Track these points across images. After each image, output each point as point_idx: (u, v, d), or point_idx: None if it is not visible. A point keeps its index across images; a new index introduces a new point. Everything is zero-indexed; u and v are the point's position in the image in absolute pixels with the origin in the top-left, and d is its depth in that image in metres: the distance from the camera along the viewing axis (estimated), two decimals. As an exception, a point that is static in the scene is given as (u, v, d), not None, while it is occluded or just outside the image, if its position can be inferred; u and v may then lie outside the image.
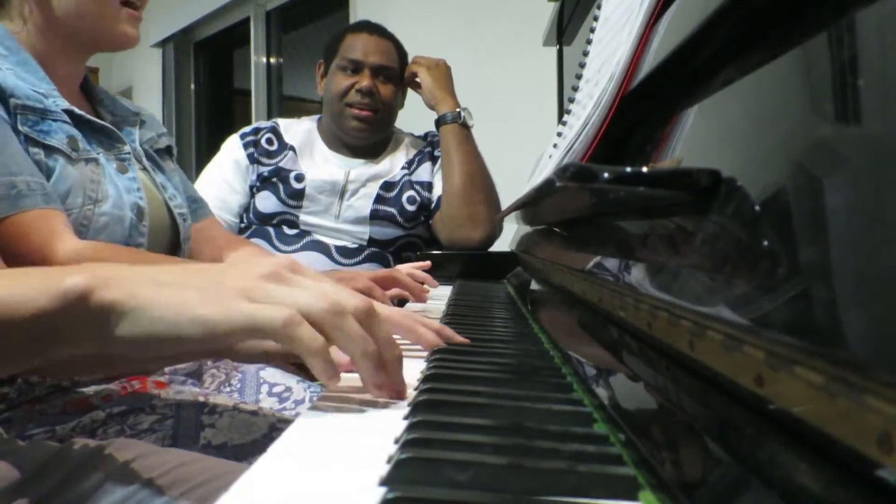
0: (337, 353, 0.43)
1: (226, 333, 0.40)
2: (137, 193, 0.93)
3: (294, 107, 4.13)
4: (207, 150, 3.96)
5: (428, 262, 1.24)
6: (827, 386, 0.21)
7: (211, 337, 0.40)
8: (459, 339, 0.61)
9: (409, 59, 1.62)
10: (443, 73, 1.57)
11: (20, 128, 0.81)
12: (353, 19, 2.92)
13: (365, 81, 1.51)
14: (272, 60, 3.80)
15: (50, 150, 0.83)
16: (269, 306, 0.40)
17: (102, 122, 0.94)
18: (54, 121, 0.84)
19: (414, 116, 1.66)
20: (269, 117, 3.74)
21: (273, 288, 0.43)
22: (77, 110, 0.89)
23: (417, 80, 1.57)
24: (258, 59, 3.75)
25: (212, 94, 4.34)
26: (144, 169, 1.00)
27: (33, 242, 0.78)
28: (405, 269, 1.18)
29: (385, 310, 0.70)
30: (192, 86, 4.22)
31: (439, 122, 1.53)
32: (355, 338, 0.42)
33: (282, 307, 0.40)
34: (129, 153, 0.96)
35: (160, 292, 0.40)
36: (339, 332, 0.42)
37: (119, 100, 1.06)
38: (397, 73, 1.56)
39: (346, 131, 1.54)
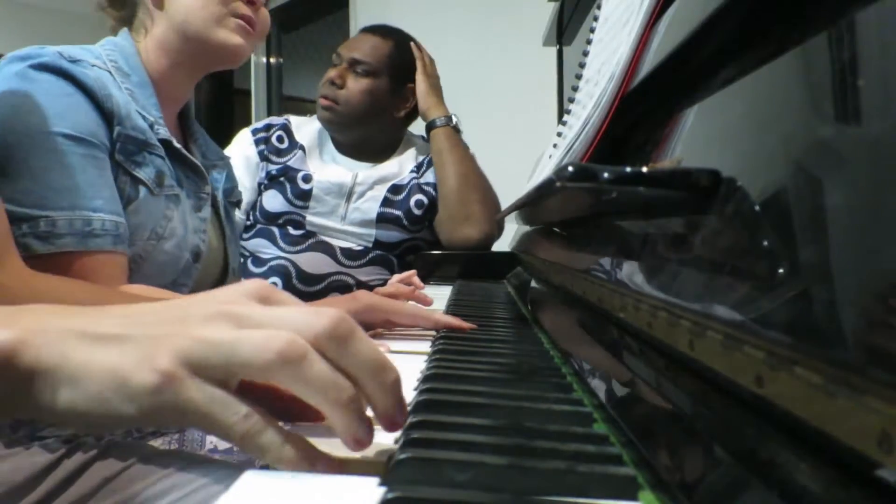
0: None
1: (161, 419, 0.32)
2: (202, 235, 0.95)
3: (294, 107, 4.14)
4: (207, 150, 3.95)
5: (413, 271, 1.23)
6: (827, 386, 0.21)
7: (146, 420, 0.32)
8: (466, 325, 0.72)
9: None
10: (437, 82, 1.57)
11: (116, 156, 0.82)
12: (353, 19, 2.92)
13: (332, 72, 1.52)
14: (272, 60, 3.81)
15: (137, 181, 0.84)
16: (216, 404, 0.32)
17: (195, 160, 0.95)
18: (150, 153, 0.86)
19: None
20: (281, 116, 3.73)
21: (217, 343, 0.33)
22: (175, 142, 0.90)
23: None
24: (258, 59, 3.75)
25: (212, 94, 4.34)
26: (217, 215, 1.02)
27: None
28: (395, 279, 1.19)
29: (395, 305, 0.74)
30: (192, 86, 4.22)
31: (430, 127, 1.53)
32: (318, 384, 0.32)
33: (229, 414, 0.32)
34: (208, 194, 0.98)
35: (94, 354, 0.33)
36: (298, 384, 0.32)
37: (211, 142, 1.08)
38: (377, 69, 1.52)
39: (324, 126, 1.55)
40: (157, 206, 0.86)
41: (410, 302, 1.05)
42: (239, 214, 1.52)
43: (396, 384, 0.35)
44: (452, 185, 1.48)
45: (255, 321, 0.34)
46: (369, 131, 1.56)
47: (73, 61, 0.82)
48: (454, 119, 1.53)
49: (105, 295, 0.74)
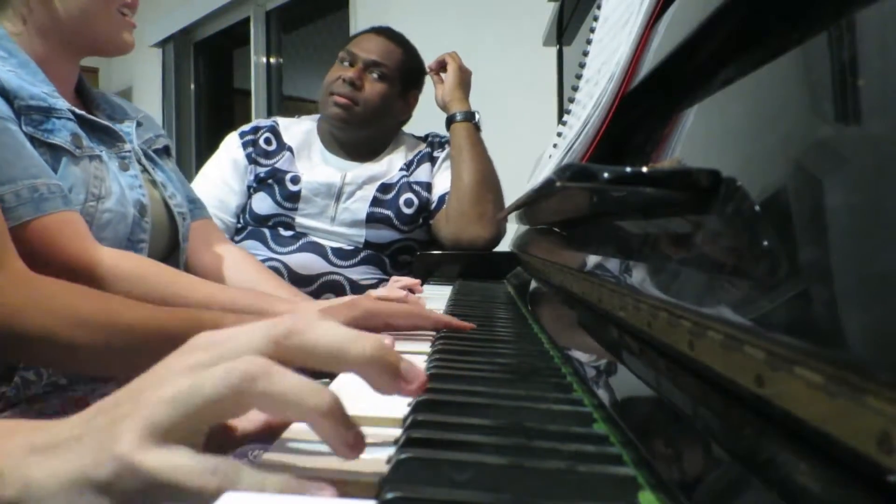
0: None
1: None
2: (140, 190, 0.94)
3: (294, 107, 4.14)
4: (207, 150, 3.96)
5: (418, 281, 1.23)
6: (827, 386, 0.21)
7: None
8: (466, 325, 0.72)
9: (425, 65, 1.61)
10: (467, 79, 1.58)
11: (24, 129, 0.81)
12: (352, 19, 2.92)
13: (350, 73, 1.50)
14: (272, 60, 3.81)
15: (54, 148, 0.83)
16: (180, 471, 0.29)
17: (103, 122, 0.95)
18: (58, 118, 0.85)
19: (416, 118, 1.65)
20: (269, 117, 3.74)
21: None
22: (77, 110, 0.90)
23: (443, 72, 1.56)
24: (258, 59, 3.75)
25: (212, 94, 4.34)
26: (144, 169, 1.01)
27: (67, 248, 0.79)
28: (397, 283, 1.18)
29: (394, 308, 0.74)
30: (192, 86, 4.23)
31: (451, 120, 1.52)
32: (293, 394, 0.30)
33: (195, 476, 0.29)
34: (129, 151, 0.97)
35: (54, 465, 0.31)
36: (273, 401, 0.30)
37: (114, 100, 1.07)
38: (392, 74, 1.53)
39: (328, 120, 1.54)
40: (83, 167, 0.86)
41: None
42: (228, 218, 1.52)
43: (398, 360, 0.34)
44: (469, 183, 1.47)
45: (207, 363, 0.32)
46: (373, 133, 1.57)
47: None
48: (476, 116, 1.52)
49: (101, 296, 0.74)
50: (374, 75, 1.52)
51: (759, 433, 0.26)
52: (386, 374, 0.33)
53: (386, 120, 1.57)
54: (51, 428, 0.33)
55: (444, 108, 1.55)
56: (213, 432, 0.34)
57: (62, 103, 0.87)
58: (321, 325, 0.33)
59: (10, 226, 0.74)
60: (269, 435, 0.42)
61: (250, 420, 0.43)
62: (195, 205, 1.13)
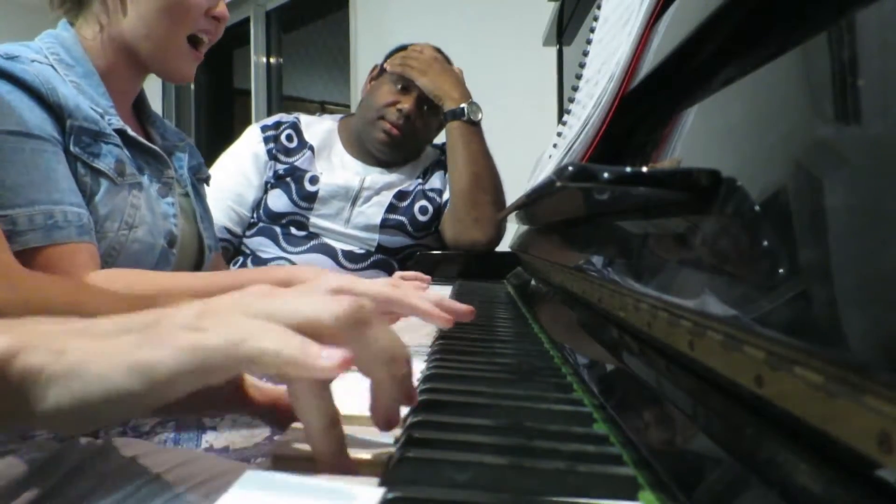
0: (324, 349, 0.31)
1: (168, 378, 0.31)
2: (173, 220, 0.95)
3: (293, 107, 4.13)
4: (207, 150, 3.95)
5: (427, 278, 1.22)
6: (827, 386, 0.21)
7: (151, 386, 0.31)
8: (463, 307, 0.57)
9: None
10: (433, 66, 1.50)
11: (72, 148, 0.82)
12: (352, 19, 2.92)
13: (408, 105, 1.48)
14: (272, 60, 3.81)
15: (97, 172, 0.84)
16: (216, 331, 0.31)
17: (152, 146, 0.95)
18: (106, 143, 0.86)
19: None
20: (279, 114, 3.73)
21: (228, 311, 0.33)
22: (129, 131, 0.90)
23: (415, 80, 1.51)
24: (258, 59, 3.76)
25: (212, 94, 4.34)
26: (186, 195, 1.01)
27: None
28: (402, 276, 1.18)
29: (374, 286, 0.70)
30: (192, 86, 4.23)
31: (445, 119, 1.49)
32: (381, 349, 0.32)
33: (230, 328, 0.31)
34: (172, 178, 0.97)
35: (93, 344, 0.33)
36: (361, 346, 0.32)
37: (168, 124, 1.08)
38: (437, 106, 1.50)
39: (370, 140, 1.52)
40: (121, 196, 0.86)
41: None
42: (244, 212, 1.51)
43: (407, 378, 0.35)
44: (462, 188, 1.45)
45: (268, 311, 0.33)
46: (406, 153, 1.57)
47: (10, 58, 0.81)
48: (467, 109, 1.46)
49: (70, 287, 0.73)
50: (426, 107, 1.50)
51: (759, 433, 0.26)
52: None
53: (423, 146, 1.59)
54: (93, 321, 0.35)
55: (438, 102, 1.50)
56: (268, 409, 0.35)
57: (115, 122, 0.88)
58: (383, 327, 0.34)
59: (15, 249, 0.73)
60: None
61: None
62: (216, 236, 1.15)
